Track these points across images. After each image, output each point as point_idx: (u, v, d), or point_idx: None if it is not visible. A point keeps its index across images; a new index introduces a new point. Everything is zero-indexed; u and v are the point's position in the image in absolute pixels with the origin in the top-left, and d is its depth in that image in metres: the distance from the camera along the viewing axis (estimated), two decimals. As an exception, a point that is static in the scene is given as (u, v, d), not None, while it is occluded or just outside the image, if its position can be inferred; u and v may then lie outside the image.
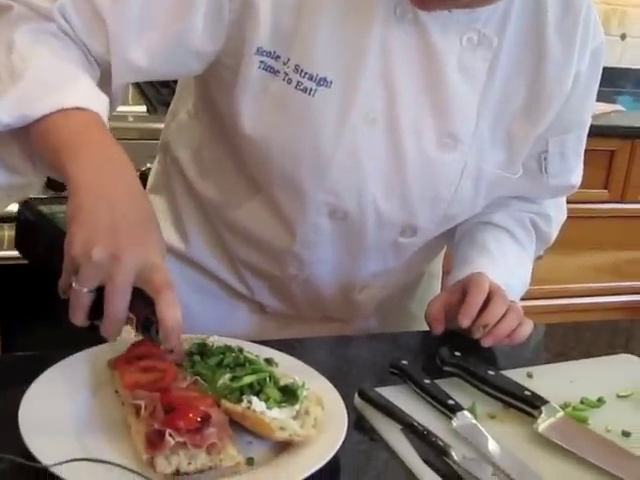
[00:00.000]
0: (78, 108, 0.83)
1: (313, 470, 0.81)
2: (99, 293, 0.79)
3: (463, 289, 1.09)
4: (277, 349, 1.04)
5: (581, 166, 1.24)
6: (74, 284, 0.77)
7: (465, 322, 1.06)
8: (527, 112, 1.06)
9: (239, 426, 0.87)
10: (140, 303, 0.80)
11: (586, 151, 1.24)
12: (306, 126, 0.99)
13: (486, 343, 1.08)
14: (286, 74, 0.97)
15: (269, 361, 0.97)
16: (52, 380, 0.91)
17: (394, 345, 1.17)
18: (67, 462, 0.74)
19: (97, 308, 0.80)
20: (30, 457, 0.78)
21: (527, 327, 1.09)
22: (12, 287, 2.19)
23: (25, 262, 2.12)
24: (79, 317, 0.79)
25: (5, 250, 2.19)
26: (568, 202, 1.33)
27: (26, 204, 0.90)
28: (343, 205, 1.06)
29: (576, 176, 1.21)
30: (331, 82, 0.97)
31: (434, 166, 1.04)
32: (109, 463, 0.75)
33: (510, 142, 1.08)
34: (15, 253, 2.09)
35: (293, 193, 1.05)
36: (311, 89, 0.97)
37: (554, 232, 1.28)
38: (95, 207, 0.77)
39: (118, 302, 0.77)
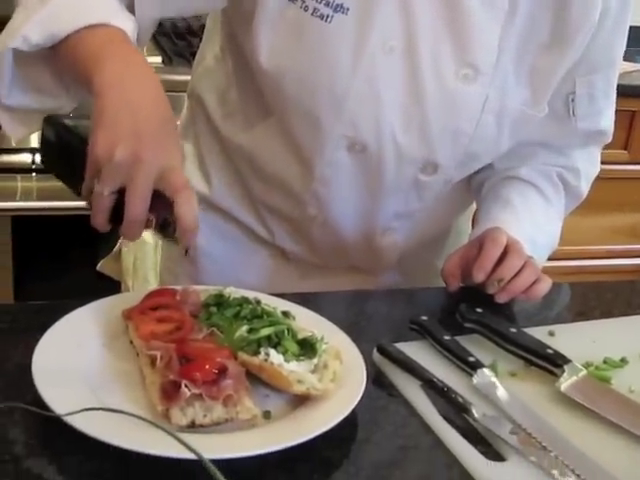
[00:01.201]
0: (104, 25, 0.84)
1: (331, 425, 0.80)
2: (120, 197, 0.79)
3: (480, 244, 1.06)
4: (295, 302, 1.01)
5: (612, 111, 1.19)
6: (96, 187, 0.77)
7: (479, 276, 1.04)
8: (552, 45, 1.02)
9: (256, 379, 0.85)
10: (159, 204, 0.79)
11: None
12: (322, 54, 0.97)
13: (500, 299, 1.05)
14: (303, 1, 0.95)
15: (286, 314, 0.95)
16: (65, 330, 0.90)
17: (414, 301, 1.15)
18: (81, 411, 0.73)
19: (118, 212, 0.80)
20: (43, 407, 0.76)
21: (544, 284, 1.06)
22: (26, 238, 2.18)
23: (38, 213, 2.11)
24: (100, 221, 0.80)
25: (19, 201, 2.18)
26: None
27: (50, 118, 0.89)
28: (361, 137, 1.03)
29: (606, 120, 1.17)
30: (348, 9, 0.94)
31: (454, 97, 1.01)
32: (123, 413, 0.73)
33: (535, 78, 1.03)
34: (29, 204, 2.08)
35: (311, 126, 1.03)
36: (327, 15, 0.94)
37: (584, 187, 1.23)
38: (118, 110, 0.77)
39: (139, 202, 0.76)
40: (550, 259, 2.86)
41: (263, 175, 1.14)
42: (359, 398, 0.84)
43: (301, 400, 0.85)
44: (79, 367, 0.85)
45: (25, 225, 2.16)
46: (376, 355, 0.97)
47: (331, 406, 0.83)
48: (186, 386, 0.78)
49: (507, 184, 1.17)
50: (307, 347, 0.87)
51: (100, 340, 0.91)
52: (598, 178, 1.28)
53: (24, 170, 2.14)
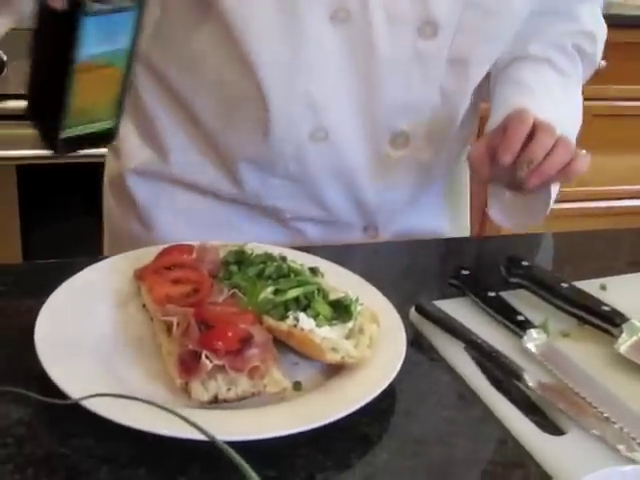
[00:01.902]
0: None
1: (369, 398, 0.71)
2: None
3: (504, 129, 0.94)
4: (322, 257, 0.92)
5: None
6: None
7: (506, 158, 0.90)
8: None
9: (283, 346, 0.77)
10: None
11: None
12: None
13: (532, 182, 0.92)
14: None
15: (314, 271, 0.86)
16: (71, 294, 0.81)
17: (452, 253, 1.06)
18: (90, 397, 0.64)
19: None
20: (50, 384, 0.68)
21: (582, 161, 0.92)
22: (32, 188, 2.09)
23: (45, 161, 2.02)
24: None
25: (26, 149, 2.08)
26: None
27: None
28: (344, 2, 0.92)
29: None
30: None
31: None
32: (138, 400, 0.64)
33: None
34: (36, 152, 1.98)
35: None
36: None
37: (599, 52, 1.11)
38: None
39: None
40: (576, 200, 2.75)
41: (225, 108, 1.01)
42: (400, 365, 0.75)
43: (334, 369, 0.76)
44: (87, 336, 0.76)
45: (30, 174, 2.07)
46: (414, 315, 0.88)
47: (369, 375, 0.74)
48: (207, 357, 0.70)
49: (518, 66, 1.06)
50: (340, 309, 0.78)
51: (110, 304, 0.83)
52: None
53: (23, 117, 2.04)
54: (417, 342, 0.84)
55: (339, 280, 0.86)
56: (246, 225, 1.10)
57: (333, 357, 0.74)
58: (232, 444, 0.63)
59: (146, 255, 0.87)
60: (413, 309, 0.88)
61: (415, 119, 1.02)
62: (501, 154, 0.90)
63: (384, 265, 1.04)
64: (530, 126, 0.91)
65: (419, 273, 1.01)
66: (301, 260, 0.87)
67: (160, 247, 0.87)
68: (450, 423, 0.75)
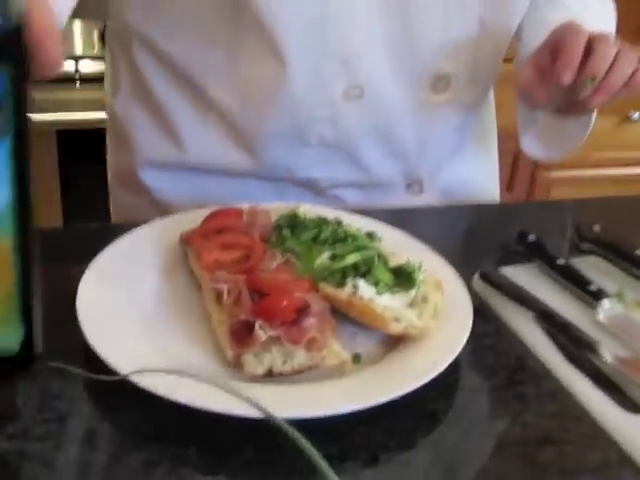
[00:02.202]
0: None
1: (436, 373, 0.65)
2: None
3: (552, 48, 0.84)
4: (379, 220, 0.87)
5: None
6: None
7: (566, 76, 0.80)
8: None
9: (341, 315, 0.71)
10: None
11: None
12: None
13: (596, 101, 0.83)
14: None
15: (371, 236, 0.80)
16: (114, 259, 0.77)
17: (517, 216, 0.99)
18: (136, 373, 0.59)
19: None
20: (93, 356, 0.64)
21: None
22: (73, 152, 2.06)
23: (87, 126, 1.97)
24: None
25: (66, 113, 2.04)
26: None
27: None
28: None
29: None
30: None
31: None
32: (186, 375, 0.59)
33: None
34: (77, 116, 1.94)
35: None
36: None
37: None
38: None
39: None
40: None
41: (242, 84, 0.93)
42: (467, 337, 0.70)
43: (395, 340, 0.71)
44: (132, 304, 0.72)
45: (71, 139, 2.04)
46: (477, 283, 0.82)
47: (433, 348, 0.69)
48: (261, 327, 0.64)
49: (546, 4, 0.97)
50: (402, 277, 0.72)
51: (155, 270, 0.78)
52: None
53: (67, 80, 2.01)
54: (482, 312, 0.78)
55: (398, 245, 0.81)
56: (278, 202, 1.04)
57: (396, 327, 0.68)
58: (288, 421, 0.59)
59: (193, 219, 0.82)
60: (476, 276, 0.83)
61: (456, 58, 0.94)
62: (561, 73, 0.81)
63: (441, 230, 0.98)
64: (586, 39, 0.82)
65: (479, 238, 0.94)
66: (357, 224, 0.82)
67: (207, 210, 0.82)
68: (522, 400, 0.69)
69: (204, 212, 0.82)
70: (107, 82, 1.04)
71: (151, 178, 1.02)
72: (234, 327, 0.66)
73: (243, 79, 0.93)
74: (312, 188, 1.02)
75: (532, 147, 0.98)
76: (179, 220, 0.84)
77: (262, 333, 0.64)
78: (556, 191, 2.55)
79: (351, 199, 1.05)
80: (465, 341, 0.69)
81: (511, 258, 0.86)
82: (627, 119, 2.47)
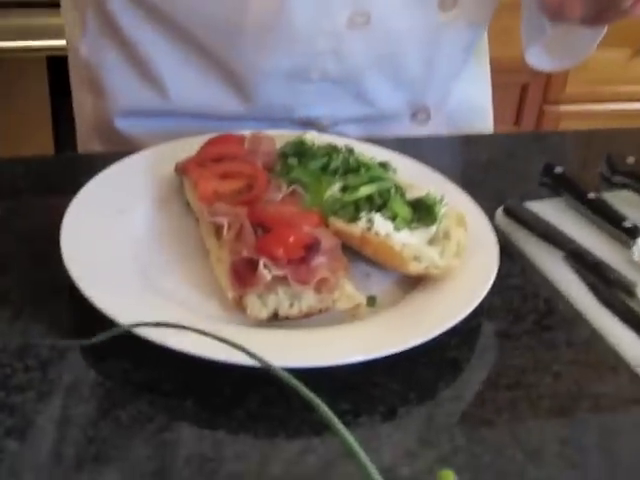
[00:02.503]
0: None
1: (459, 318, 0.59)
2: None
3: None
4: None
5: None
6: None
7: None
8: None
9: (353, 253, 0.65)
10: None
11: None
12: None
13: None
14: None
15: (385, 166, 0.73)
16: (103, 190, 0.69)
17: (541, 146, 0.92)
18: (131, 328, 0.52)
19: None
20: (75, 290, 0.57)
21: None
22: (64, 81, 1.97)
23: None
24: None
25: (56, 39, 1.94)
26: None
27: None
28: None
29: None
30: None
31: None
32: (183, 328, 0.52)
33: None
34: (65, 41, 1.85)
35: None
36: None
37: None
38: None
39: None
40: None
41: (227, 17, 0.83)
42: (493, 278, 0.63)
43: (413, 281, 0.64)
44: (121, 240, 0.65)
45: (62, 66, 1.94)
46: (501, 218, 0.75)
47: (456, 290, 0.63)
48: (265, 266, 0.58)
49: None
50: (421, 211, 0.65)
51: (148, 202, 0.71)
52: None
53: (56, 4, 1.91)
54: (506, 250, 0.71)
55: (414, 177, 0.73)
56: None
57: (416, 267, 0.61)
58: (296, 372, 0.52)
59: (190, 146, 0.74)
60: (500, 211, 0.76)
61: None
62: None
63: (456, 161, 0.91)
64: None
65: (501, 171, 0.87)
66: (369, 153, 0.74)
67: (205, 137, 0.75)
68: (553, 347, 0.63)
69: (201, 139, 0.75)
70: (69, 24, 0.94)
71: (129, 127, 0.93)
72: (236, 265, 0.59)
73: (234, 8, 0.83)
74: (312, 127, 0.94)
75: (539, 59, 0.90)
76: (175, 148, 0.76)
77: (267, 272, 0.58)
78: (564, 125, 2.46)
79: (354, 134, 0.97)
80: (491, 282, 0.63)
81: (536, 192, 0.79)
82: (639, 52, 2.37)
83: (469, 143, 0.93)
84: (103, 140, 0.96)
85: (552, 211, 0.76)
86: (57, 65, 1.91)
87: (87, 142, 0.98)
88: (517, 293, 0.68)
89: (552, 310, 0.66)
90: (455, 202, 0.69)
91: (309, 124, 0.93)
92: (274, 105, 0.90)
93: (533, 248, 0.72)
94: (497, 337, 0.63)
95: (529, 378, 0.59)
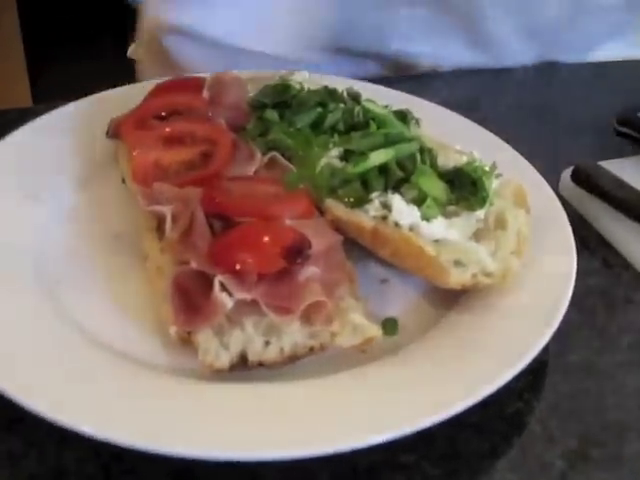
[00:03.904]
0: None
1: (525, 361, 0.38)
2: None
3: None
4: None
5: None
6: None
7: None
8: None
9: (360, 251, 0.44)
10: None
11: None
12: None
13: None
14: None
15: (405, 118, 0.51)
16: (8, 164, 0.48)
17: (611, 83, 0.69)
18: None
19: None
20: None
21: None
22: (38, 20, 1.75)
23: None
24: None
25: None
26: None
27: None
28: None
29: None
30: None
31: None
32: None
33: None
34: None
35: None
36: None
37: None
38: None
39: None
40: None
41: None
42: (570, 291, 0.42)
43: (452, 291, 0.43)
44: (24, 240, 0.44)
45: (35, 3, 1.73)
46: (568, 186, 0.54)
47: (519, 308, 0.41)
48: (224, 287, 0.37)
49: None
50: (463, 187, 0.44)
51: (69, 181, 0.50)
52: None
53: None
54: (580, 233, 0.49)
55: (448, 133, 0.51)
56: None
57: (459, 277, 0.40)
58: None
59: (132, 97, 0.52)
60: (566, 176, 0.54)
61: None
62: None
63: (506, 103, 0.68)
64: None
65: (563, 118, 0.65)
66: (383, 98, 0.52)
67: (152, 82, 0.53)
68: None
69: (148, 85, 0.53)
70: None
71: (177, 45, 0.78)
72: (180, 283, 0.38)
73: None
74: (403, 69, 0.76)
75: None
76: (111, 99, 0.55)
77: (225, 297, 0.37)
78: None
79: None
80: (569, 298, 0.41)
81: (613, 146, 0.57)
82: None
83: (508, 79, 0.71)
84: (151, 55, 0.84)
85: (633, 172, 0.54)
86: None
87: (140, 55, 0.89)
88: (602, 301, 0.47)
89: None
90: (508, 169, 0.47)
91: (399, 65, 0.74)
92: (361, 33, 0.72)
93: (613, 225, 0.51)
94: (577, 374, 0.42)
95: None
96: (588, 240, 0.51)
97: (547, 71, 0.72)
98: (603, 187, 0.53)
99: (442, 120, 0.57)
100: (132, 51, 1.56)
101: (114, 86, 0.60)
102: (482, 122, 0.57)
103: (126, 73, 0.92)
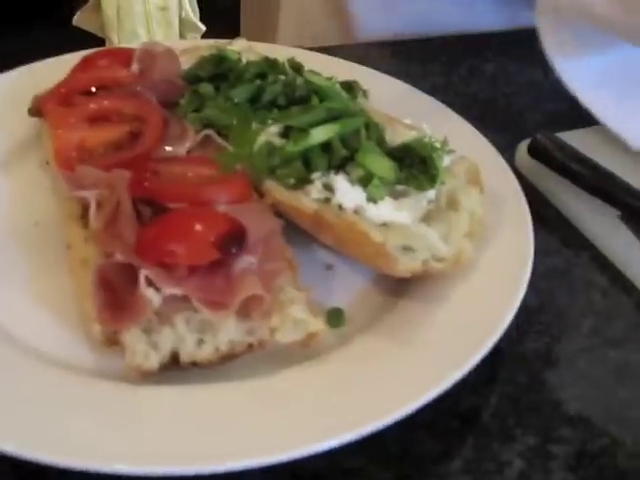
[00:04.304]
0: None
1: (481, 353, 0.35)
2: None
3: None
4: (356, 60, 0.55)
5: None
6: None
7: None
8: None
9: (303, 237, 0.41)
10: None
11: None
12: None
13: None
14: None
15: (350, 89, 0.48)
16: None
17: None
18: None
19: None
20: None
21: None
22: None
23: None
24: None
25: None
26: None
27: None
28: None
29: None
30: None
31: None
32: None
33: None
34: None
35: None
36: None
37: None
38: None
39: None
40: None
41: None
42: (527, 277, 0.39)
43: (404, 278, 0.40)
44: None
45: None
46: (524, 158, 0.51)
47: (472, 295, 0.39)
48: (150, 282, 0.33)
49: None
50: (412, 165, 0.41)
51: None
52: None
53: None
54: (537, 210, 0.46)
55: (394, 103, 0.48)
56: None
57: (408, 265, 0.37)
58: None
59: (58, 71, 0.48)
60: (522, 148, 0.51)
61: None
62: None
63: (453, 73, 0.65)
64: None
65: (515, 87, 0.62)
66: (327, 69, 0.49)
67: (77, 54, 0.49)
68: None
69: (73, 57, 0.49)
70: None
71: None
72: (103, 276, 0.35)
73: None
74: None
75: None
76: (35, 73, 0.51)
77: (153, 293, 0.33)
78: None
79: None
80: (525, 285, 0.39)
81: (566, 117, 0.55)
82: None
83: (460, 45, 0.67)
84: None
85: (589, 145, 0.52)
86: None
87: None
88: (561, 283, 0.44)
89: (607, 291, 0.43)
90: (459, 142, 0.44)
91: None
92: None
93: (573, 202, 0.49)
94: (536, 363, 0.39)
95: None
96: (546, 218, 0.49)
97: (502, 36, 0.69)
98: (562, 160, 0.50)
99: (390, 91, 0.53)
100: (78, 19, 1.50)
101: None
102: (432, 92, 0.55)
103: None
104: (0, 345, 0.35)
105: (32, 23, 1.80)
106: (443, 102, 0.53)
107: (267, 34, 0.84)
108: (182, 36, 1.67)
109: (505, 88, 0.62)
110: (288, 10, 0.82)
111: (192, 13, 1.62)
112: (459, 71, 0.64)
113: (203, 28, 1.60)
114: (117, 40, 1.65)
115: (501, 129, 0.53)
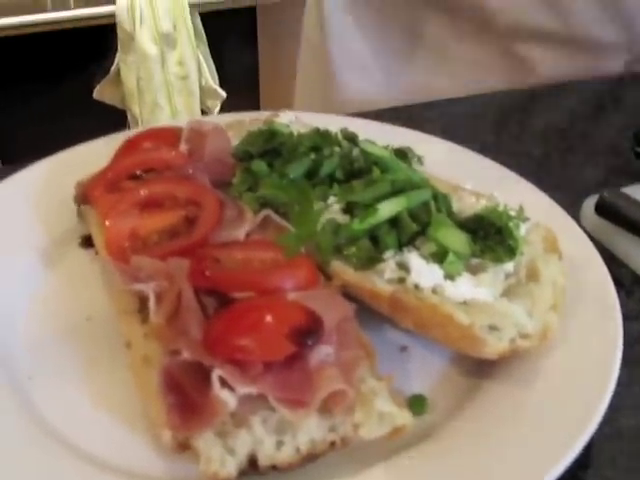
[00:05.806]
0: None
1: (586, 436, 0.33)
2: None
3: None
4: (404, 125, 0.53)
5: None
6: None
7: None
8: None
9: (372, 313, 0.38)
10: None
11: None
12: None
13: None
14: None
15: (404, 155, 0.46)
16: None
17: (624, 100, 0.64)
18: None
19: None
20: None
21: None
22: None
23: (22, 32, 1.57)
24: None
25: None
26: None
27: None
28: None
29: None
30: None
31: None
32: None
33: None
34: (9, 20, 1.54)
35: None
36: None
37: None
38: None
39: None
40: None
41: None
42: (620, 350, 0.36)
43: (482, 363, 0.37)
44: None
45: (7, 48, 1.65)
46: (589, 216, 0.49)
47: (563, 371, 0.36)
48: (224, 381, 0.31)
49: None
50: (486, 235, 0.38)
51: (30, 257, 0.43)
52: None
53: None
54: (609, 266, 0.43)
55: (452, 168, 0.46)
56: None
57: (496, 347, 0.35)
58: None
59: (98, 155, 0.47)
60: (588, 205, 0.49)
61: None
62: None
63: (503, 131, 0.63)
64: None
65: (575, 140, 0.60)
66: (378, 135, 0.47)
67: (121, 135, 0.47)
68: None
69: (115, 140, 0.47)
70: None
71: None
72: (171, 376, 0.32)
73: None
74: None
75: None
76: (76, 155, 0.49)
77: (228, 395, 0.31)
78: None
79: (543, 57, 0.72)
80: (619, 358, 0.36)
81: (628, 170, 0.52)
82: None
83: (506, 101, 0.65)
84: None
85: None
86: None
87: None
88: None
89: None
90: (526, 207, 0.42)
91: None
92: None
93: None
94: (635, 442, 0.36)
95: None
96: (622, 279, 0.46)
97: (552, 90, 0.67)
98: (634, 217, 0.48)
99: (444, 154, 0.51)
100: (98, 92, 1.49)
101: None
102: (482, 151, 0.53)
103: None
104: (55, 451, 0.33)
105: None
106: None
107: (287, 98, 0.85)
108: (203, 104, 1.67)
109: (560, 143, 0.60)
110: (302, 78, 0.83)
111: (212, 80, 1.62)
112: (508, 128, 0.62)
113: (224, 94, 1.60)
114: (139, 111, 1.66)
115: (563, 187, 0.51)
